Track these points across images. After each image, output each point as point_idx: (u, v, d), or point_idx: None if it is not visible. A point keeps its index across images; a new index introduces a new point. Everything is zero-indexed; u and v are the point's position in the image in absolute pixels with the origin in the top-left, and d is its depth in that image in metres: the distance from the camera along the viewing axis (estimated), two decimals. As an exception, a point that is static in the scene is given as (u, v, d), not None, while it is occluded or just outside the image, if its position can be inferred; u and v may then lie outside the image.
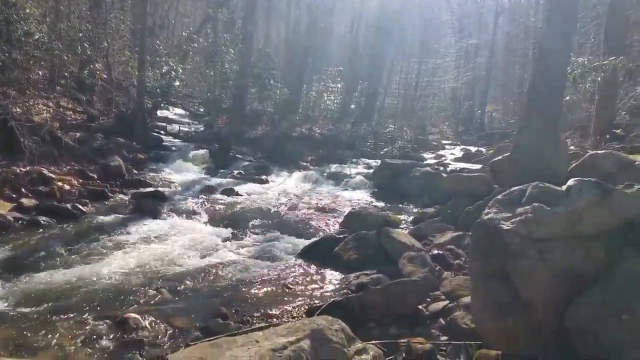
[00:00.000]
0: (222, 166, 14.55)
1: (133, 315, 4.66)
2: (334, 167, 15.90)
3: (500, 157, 9.91)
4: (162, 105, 19.46)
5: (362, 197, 12.36)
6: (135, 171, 12.01)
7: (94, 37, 14.21)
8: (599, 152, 8.68)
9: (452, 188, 10.09)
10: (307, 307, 5.17)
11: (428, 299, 5.21)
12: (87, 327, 4.50)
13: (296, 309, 5.23)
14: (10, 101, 10.22)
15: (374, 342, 3.87)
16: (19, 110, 10.36)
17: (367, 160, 17.95)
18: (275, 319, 4.87)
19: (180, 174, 12.82)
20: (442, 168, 14.51)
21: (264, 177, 13.64)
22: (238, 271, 6.35)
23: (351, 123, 22.71)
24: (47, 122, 10.78)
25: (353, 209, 9.85)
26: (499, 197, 3.91)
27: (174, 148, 15.23)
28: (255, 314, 5.03)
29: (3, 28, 10.73)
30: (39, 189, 8.81)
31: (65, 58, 13.17)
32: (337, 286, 6.07)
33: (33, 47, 11.52)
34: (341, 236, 7.49)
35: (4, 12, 10.62)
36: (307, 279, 6.32)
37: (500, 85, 36.14)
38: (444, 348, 4.10)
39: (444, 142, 27.01)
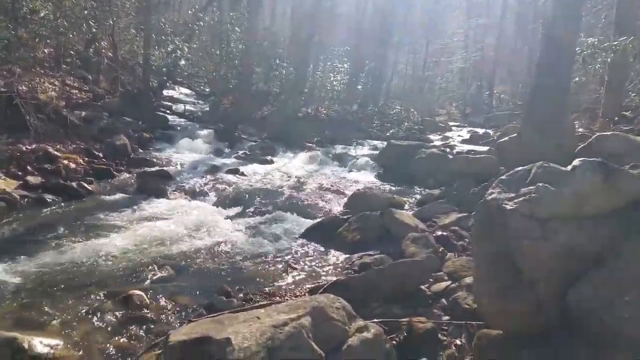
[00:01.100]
0: (228, 146, 14.55)
1: (137, 292, 4.69)
2: (339, 148, 15.84)
3: (507, 139, 9.87)
4: (167, 84, 19.38)
5: (367, 179, 12.31)
6: (140, 150, 12.05)
7: (99, 15, 14.11)
8: (606, 133, 8.59)
9: (458, 170, 10.06)
10: (310, 286, 5.19)
11: (431, 280, 5.19)
12: (91, 304, 4.55)
13: (299, 288, 5.25)
14: (16, 79, 10.21)
15: (375, 320, 3.88)
16: (24, 88, 10.35)
17: (373, 142, 17.85)
18: (278, 297, 4.90)
19: (185, 153, 12.82)
20: (448, 150, 14.41)
21: (269, 157, 13.61)
22: (242, 250, 6.38)
23: (357, 104, 22.56)
24: (52, 101, 10.78)
25: (358, 190, 9.83)
26: (503, 177, 3.86)
27: (179, 127, 15.20)
28: (258, 292, 5.05)
29: (9, 6, 10.70)
30: (45, 167, 8.85)
31: (71, 36, 13.08)
32: (340, 266, 6.09)
33: (38, 25, 11.45)
34: (345, 217, 7.48)
35: (9, -11, 10.59)
36: (311, 258, 6.34)
37: (508, 66, 35.66)
38: (446, 327, 4.11)
39: (451, 123, 26.75)
